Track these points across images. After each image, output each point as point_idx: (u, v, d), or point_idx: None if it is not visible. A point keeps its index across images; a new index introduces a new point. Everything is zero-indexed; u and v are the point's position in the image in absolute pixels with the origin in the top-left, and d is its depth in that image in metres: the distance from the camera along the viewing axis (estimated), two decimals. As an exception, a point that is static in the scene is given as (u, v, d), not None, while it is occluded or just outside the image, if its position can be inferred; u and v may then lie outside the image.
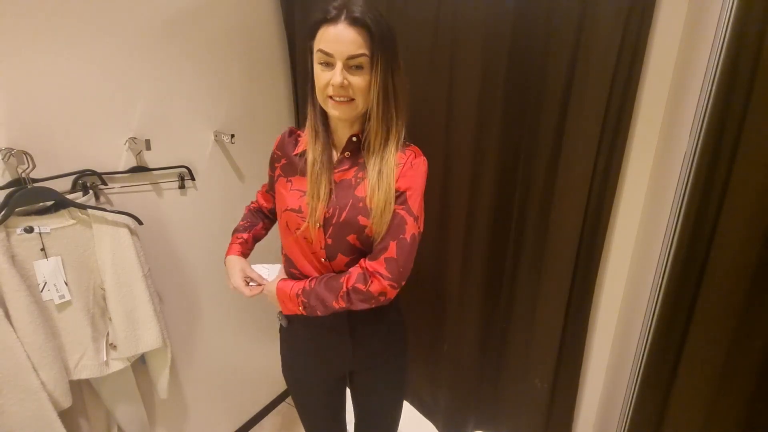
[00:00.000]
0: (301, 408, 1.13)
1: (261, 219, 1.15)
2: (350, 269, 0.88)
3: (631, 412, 1.04)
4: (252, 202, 1.18)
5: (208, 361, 1.54)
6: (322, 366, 1.04)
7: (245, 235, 1.10)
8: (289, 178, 0.93)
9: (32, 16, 0.96)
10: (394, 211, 0.85)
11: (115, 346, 1.12)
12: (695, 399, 0.91)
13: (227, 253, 1.07)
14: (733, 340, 0.85)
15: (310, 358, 1.04)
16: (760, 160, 0.76)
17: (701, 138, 0.82)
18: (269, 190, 1.10)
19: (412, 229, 0.85)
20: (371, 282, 0.83)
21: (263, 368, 1.79)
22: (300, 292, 0.89)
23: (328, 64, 0.79)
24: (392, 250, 0.83)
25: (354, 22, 0.76)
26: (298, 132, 0.97)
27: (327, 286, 0.87)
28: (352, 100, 0.82)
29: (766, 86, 0.73)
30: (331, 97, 0.82)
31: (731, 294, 0.83)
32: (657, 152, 1.12)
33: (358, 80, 0.80)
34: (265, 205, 1.14)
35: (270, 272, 1.02)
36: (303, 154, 0.91)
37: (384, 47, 0.78)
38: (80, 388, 1.15)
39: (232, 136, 1.36)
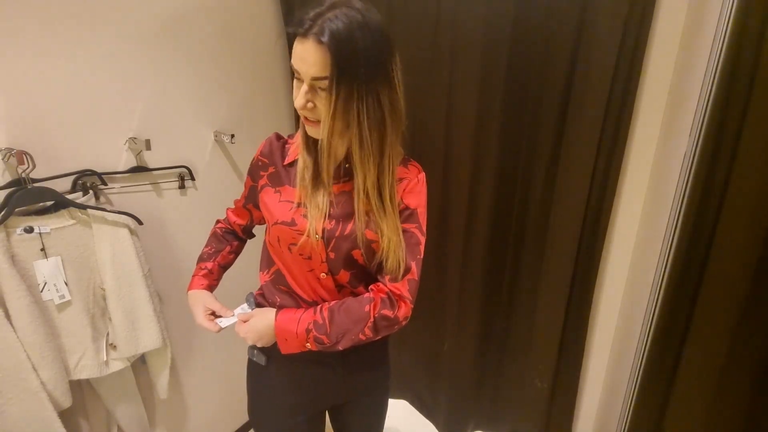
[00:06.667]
0: None
1: (228, 242, 1.02)
2: (367, 294, 0.81)
3: (631, 412, 1.04)
4: (218, 222, 1.05)
5: (208, 361, 1.54)
6: (306, 404, 0.94)
7: (209, 265, 0.98)
8: (278, 189, 0.84)
9: (32, 16, 0.96)
10: (409, 230, 0.81)
11: (115, 346, 1.12)
12: (695, 399, 0.91)
13: (189, 287, 0.96)
14: (733, 340, 0.85)
15: (291, 397, 0.92)
16: (760, 160, 0.76)
17: (701, 138, 0.82)
18: (246, 204, 0.97)
19: (423, 247, 0.83)
20: (399, 307, 0.78)
21: (263, 368, 1.78)
22: (311, 326, 0.78)
23: (300, 80, 0.71)
24: (414, 271, 0.80)
25: (321, 40, 0.66)
26: (286, 138, 0.89)
27: (350, 317, 0.77)
28: (320, 122, 0.72)
29: (766, 86, 0.74)
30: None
31: (731, 294, 0.83)
32: (657, 152, 1.12)
33: (325, 104, 0.70)
34: (238, 222, 1.01)
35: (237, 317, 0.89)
36: (293, 164, 0.84)
37: (351, 71, 0.67)
38: (80, 388, 1.15)
39: (232, 136, 1.35)
